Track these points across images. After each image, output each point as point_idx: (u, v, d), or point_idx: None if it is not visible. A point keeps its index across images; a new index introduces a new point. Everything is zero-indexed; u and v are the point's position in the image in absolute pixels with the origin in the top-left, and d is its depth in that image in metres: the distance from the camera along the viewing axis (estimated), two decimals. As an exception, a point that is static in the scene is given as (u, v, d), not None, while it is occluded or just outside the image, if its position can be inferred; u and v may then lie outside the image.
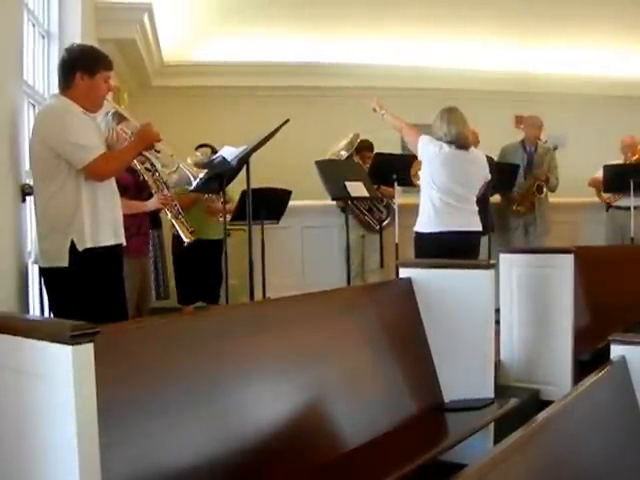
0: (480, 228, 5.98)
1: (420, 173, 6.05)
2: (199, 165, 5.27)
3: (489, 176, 6.12)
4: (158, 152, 4.60)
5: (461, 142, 5.76)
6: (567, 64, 10.56)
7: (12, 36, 4.40)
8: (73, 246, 4.05)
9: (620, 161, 8.59)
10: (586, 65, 10.59)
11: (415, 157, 6.52)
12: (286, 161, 8.95)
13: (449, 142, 5.74)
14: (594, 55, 10.58)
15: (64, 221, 4.08)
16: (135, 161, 4.91)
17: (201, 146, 7.06)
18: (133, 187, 5.48)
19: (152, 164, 4.96)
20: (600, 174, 8.49)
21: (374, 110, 6.44)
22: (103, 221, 4.18)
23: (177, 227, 5.46)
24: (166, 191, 5.44)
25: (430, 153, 5.83)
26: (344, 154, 7.87)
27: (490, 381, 4.57)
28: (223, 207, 5.88)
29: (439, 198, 5.76)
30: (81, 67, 4.18)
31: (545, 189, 8.31)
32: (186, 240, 5.46)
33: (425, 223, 5.83)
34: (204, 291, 7.19)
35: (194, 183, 4.96)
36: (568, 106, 10.42)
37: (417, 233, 5.90)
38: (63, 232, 4.07)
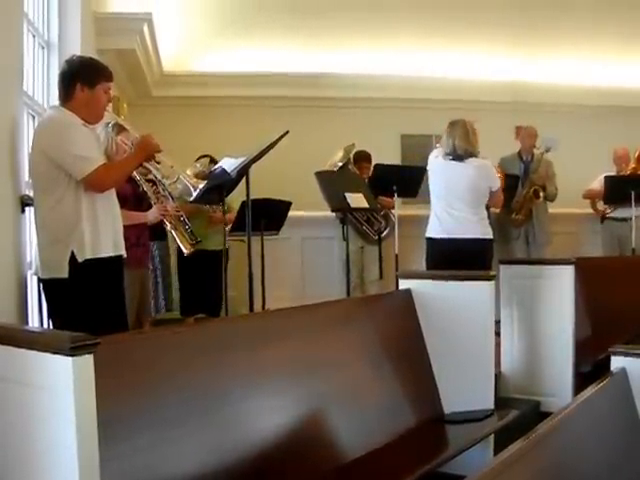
0: (486, 236, 6.06)
1: None
2: (199, 176, 5.27)
3: (496, 186, 6.14)
4: (158, 163, 4.59)
5: (457, 153, 5.90)
6: (566, 75, 10.58)
7: (12, 47, 4.40)
8: (73, 257, 4.04)
9: (613, 172, 8.60)
10: (583, 76, 10.60)
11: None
12: (286, 172, 8.93)
13: (447, 153, 5.89)
14: (592, 66, 10.60)
15: (64, 232, 4.07)
16: (137, 172, 4.91)
17: (202, 157, 7.05)
18: (132, 198, 5.47)
19: (155, 175, 4.95)
20: (595, 185, 8.53)
21: None
22: (103, 232, 4.17)
23: (176, 238, 5.46)
24: (171, 202, 5.45)
25: (430, 163, 6.14)
26: (340, 165, 7.88)
27: (490, 393, 4.57)
28: (224, 218, 5.86)
29: (438, 206, 6.01)
30: (81, 78, 4.18)
31: (542, 194, 8.28)
32: (185, 251, 5.46)
33: (431, 229, 6.09)
34: (206, 302, 7.16)
35: (194, 194, 4.95)
36: (566, 116, 10.43)
37: (426, 238, 6.15)
38: (63, 243, 4.06)
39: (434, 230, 6.04)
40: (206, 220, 6.94)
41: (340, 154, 7.98)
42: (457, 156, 5.91)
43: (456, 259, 5.58)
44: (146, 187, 5.24)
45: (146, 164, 4.58)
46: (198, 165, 6.45)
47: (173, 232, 5.47)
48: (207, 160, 6.94)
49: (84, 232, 4.07)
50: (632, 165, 8.50)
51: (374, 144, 8.45)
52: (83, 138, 4.13)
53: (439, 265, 5.72)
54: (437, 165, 6.03)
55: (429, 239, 6.10)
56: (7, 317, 3.90)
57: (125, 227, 4.51)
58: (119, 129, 4.96)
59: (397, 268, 6.97)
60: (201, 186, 4.83)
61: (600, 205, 8.72)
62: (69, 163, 4.03)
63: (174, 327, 4.38)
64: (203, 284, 7.07)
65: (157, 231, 6.18)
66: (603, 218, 8.70)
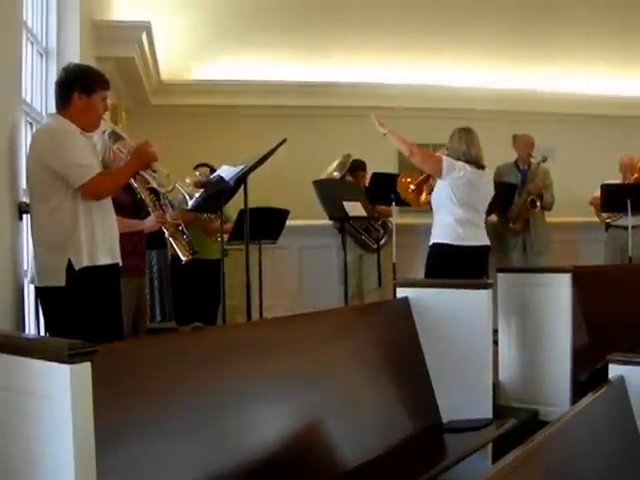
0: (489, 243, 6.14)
1: (436, 190, 6.07)
2: (198, 185, 5.26)
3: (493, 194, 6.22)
4: (155, 171, 4.58)
5: (480, 162, 5.89)
6: (564, 84, 10.60)
7: (11, 54, 4.40)
8: (70, 265, 4.04)
9: (619, 180, 8.58)
10: (582, 85, 10.62)
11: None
12: (284, 180, 8.93)
13: (468, 162, 5.84)
14: (591, 75, 10.62)
15: (61, 240, 4.06)
16: (136, 181, 4.91)
17: (200, 165, 7.04)
18: (130, 206, 5.46)
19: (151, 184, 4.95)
20: (599, 193, 8.51)
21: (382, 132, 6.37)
22: (100, 240, 4.17)
23: (174, 245, 5.45)
24: (171, 210, 5.44)
25: (456, 173, 5.89)
26: (337, 175, 7.88)
27: (488, 401, 4.56)
28: (221, 227, 5.84)
29: (462, 214, 5.87)
30: (78, 86, 4.18)
31: (539, 204, 8.28)
32: (183, 258, 5.46)
33: (447, 236, 5.89)
34: (202, 311, 7.14)
35: (190, 203, 4.94)
36: (566, 125, 10.45)
37: (438, 244, 5.94)
38: (60, 251, 4.05)
39: (452, 237, 5.86)
40: (202, 230, 6.91)
41: (333, 165, 8.00)
42: (480, 165, 5.95)
43: (468, 265, 5.62)
44: (144, 195, 5.23)
45: (142, 172, 4.57)
46: (197, 174, 6.45)
47: (171, 240, 5.47)
48: (206, 169, 6.94)
49: (81, 240, 4.07)
50: (635, 174, 8.46)
51: (371, 153, 8.44)
52: (80, 146, 4.13)
53: (445, 271, 5.63)
54: (468, 173, 5.88)
55: (443, 245, 5.91)
56: (4, 325, 3.89)
57: (122, 235, 4.51)
58: (116, 137, 4.96)
59: (395, 276, 6.97)
60: (197, 194, 4.84)
61: (604, 213, 8.70)
62: (66, 171, 4.02)
63: (171, 336, 4.38)
64: (200, 293, 7.06)
65: (157, 239, 6.16)
66: (607, 226, 8.69)
